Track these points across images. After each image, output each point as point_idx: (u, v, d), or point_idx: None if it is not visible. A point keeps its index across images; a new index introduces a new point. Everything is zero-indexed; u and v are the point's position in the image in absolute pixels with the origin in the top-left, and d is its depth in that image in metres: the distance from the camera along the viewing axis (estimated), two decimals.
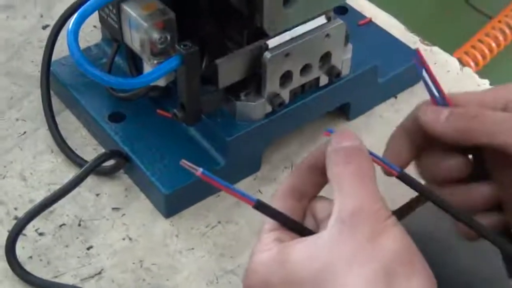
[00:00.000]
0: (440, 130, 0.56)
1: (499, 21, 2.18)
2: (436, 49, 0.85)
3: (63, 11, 0.78)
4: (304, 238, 0.50)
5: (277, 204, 0.53)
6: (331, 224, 0.49)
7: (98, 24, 0.81)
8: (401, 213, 0.71)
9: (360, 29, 0.81)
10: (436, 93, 0.57)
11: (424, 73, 0.56)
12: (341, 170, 0.51)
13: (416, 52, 0.56)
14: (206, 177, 0.50)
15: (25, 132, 0.76)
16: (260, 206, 0.52)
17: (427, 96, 0.80)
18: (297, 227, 0.53)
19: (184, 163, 0.50)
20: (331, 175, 0.51)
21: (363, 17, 0.83)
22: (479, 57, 2.06)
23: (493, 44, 2.11)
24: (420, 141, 0.58)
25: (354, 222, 0.48)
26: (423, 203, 0.72)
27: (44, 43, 0.81)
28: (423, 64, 0.56)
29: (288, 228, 0.53)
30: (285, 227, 0.52)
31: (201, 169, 0.50)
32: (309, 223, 0.54)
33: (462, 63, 0.85)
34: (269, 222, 0.53)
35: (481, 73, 0.85)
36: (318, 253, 0.48)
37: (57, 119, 0.76)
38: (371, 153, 0.53)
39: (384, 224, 0.48)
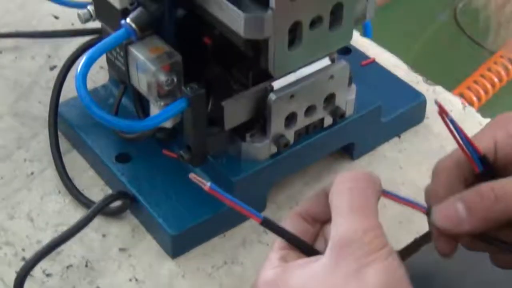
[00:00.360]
0: (467, 230, 0.53)
1: (501, 56, 2.19)
2: (439, 88, 0.86)
3: (70, 52, 0.80)
4: (304, 262, 0.51)
5: (288, 224, 0.54)
6: (326, 252, 0.50)
7: (105, 65, 0.83)
8: (407, 252, 0.72)
9: (364, 69, 0.82)
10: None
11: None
12: (340, 198, 0.52)
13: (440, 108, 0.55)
14: (214, 191, 0.51)
15: (33, 173, 0.77)
16: (267, 223, 0.53)
17: (430, 135, 0.81)
18: (303, 246, 0.54)
19: (193, 177, 0.51)
20: (330, 202, 0.52)
21: (367, 57, 0.84)
22: (482, 92, 2.08)
23: (496, 79, 2.12)
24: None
25: (342, 253, 0.49)
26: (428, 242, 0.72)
27: (52, 84, 0.82)
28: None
29: (295, 246, 0.53)
30: (291, 245, 0.53)
31: (209, 183, 0.51)
32: (320, 246, 0.55)
33: (465, 98, 0.86)
34: (278, 241, 0.54)
35: (484, 108, 0.86)
36: (312, 281, 0.49)
37: (65, 160, 0.77)
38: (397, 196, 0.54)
39: (374, 257, 0.48)
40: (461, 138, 0.55)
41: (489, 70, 2.15)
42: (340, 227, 0.50)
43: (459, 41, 2.39)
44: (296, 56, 0.65)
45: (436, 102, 0.55)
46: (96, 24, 0.77)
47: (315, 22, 0.64)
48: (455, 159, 0.57)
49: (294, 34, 0.64)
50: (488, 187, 0.53)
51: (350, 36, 0.68)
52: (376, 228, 0.50)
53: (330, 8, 0.64)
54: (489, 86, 2.09)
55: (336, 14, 0.66)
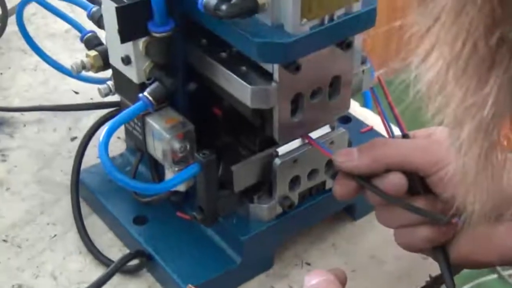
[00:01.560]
0: (354, 165, 0.68)
1: None
2: None
3: (89, 124, 0.86)
4: None
5: None
6: None
7: (122, 135, 0.89)
8: None
9: (363, 136, 0.88)
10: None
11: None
12: None
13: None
14: None
15: (55, 235, 0.83)
16: None
17: None
18: None
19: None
20: None
21: (365, 125, 0.90)
22: None
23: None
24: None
25: None
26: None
27: (72, 154, 0.89)
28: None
29: None
30: None
31: None
32: None
33: None
34: None
35: None
36: None
37: (85, 223, 0.83)
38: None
39: None
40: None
41: None
42: None
43: None
44: (298, 125, 0.71)
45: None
46: (113, 98, 0.84)
47: (315, 93, 0.71)
48: None
49: (297, 104, 0.70)
50: (376, 140, 0.69)
51: (347, 106, 0.75)
52: None
53: (329, 81, 0.71)
54: None
55: (335, 85, 0.72)
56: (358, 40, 0.72)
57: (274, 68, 0.67)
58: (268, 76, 0.68)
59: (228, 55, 0.71)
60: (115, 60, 0.75)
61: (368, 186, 0.68)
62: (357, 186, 0.69)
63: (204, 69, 0.72)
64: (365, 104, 1.00)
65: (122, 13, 0.69)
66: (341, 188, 0.70)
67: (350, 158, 0.68)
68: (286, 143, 0.74)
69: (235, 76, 0.69)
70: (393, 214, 0.69)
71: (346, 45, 0.69)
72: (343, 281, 0.62)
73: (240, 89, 0.69)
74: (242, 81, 0.68)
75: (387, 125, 0.73)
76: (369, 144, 0.69)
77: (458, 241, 0.67)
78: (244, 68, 0.69)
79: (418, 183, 0.67)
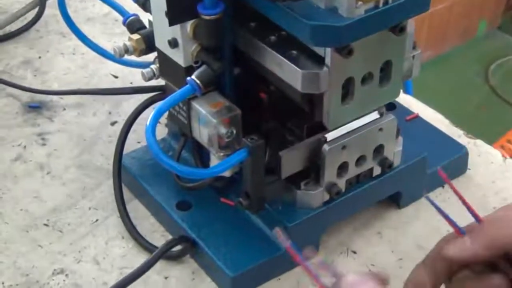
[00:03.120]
0: (469, 255, 0.60)
1: None
2: (479, 141, 0.90)
3: (129, 109, 0.86)
4: None
5: None
6: None
7: (163, 120, 0.88)
8: None
9: (408, 124, 0.87)
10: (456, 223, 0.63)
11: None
12: None
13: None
14: (292, 250, 0.55)
15: (97, 220, 0.82)
16: None
17: (472, 186, 0.85)
18: None
19: (278, 231, 0.55)
20: None
21: (411, 112, 0.89)
22: None
23: None
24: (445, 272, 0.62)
25: None
26: None
27: (112, 138, 0.88)
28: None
29: None
30: None
31: (289, 242, 0.55)
32: None
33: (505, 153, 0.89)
34: None
35: None
36: None
37: (127, 208, 0.82)
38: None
39: None
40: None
41: None
42: None
43: (491, 101, 2.44)
44: (348, 110, 0.70)
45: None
46: (152, 83, 0.83)
47: (366, 79, 0.70)
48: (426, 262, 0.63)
49: (347, 89, 0.69)
50: (484, 221, 0.61)
51: (398, 92, 0.73)
52: None
53: (380, 66, 0.70)
54: None
55: (385, 71, 0.71)
56: (411, 24, 0.70)
57: (326, 52, 0.66)
58: (320, 60, 0.67)
59: (277, 38, 0.70)
60: (161, 43, 0.74)
61: None
62: None
63: (252, 53, 0.71)
64: (406, 91, 0.99)
65: None
66: None
67: (463, 247, 0.60)
68: (335, 128, 0.72)
69: (285, 60, 0.67)
70: None
71: (400, 30, 0.67)
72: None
73: (290, 73, 0.67)
74: (293, 65, 0.67)
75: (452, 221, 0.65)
76: (478, 227, 0.61)
77: None
78: (294, 51, 0.68)
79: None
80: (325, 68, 0.66)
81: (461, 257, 0.60)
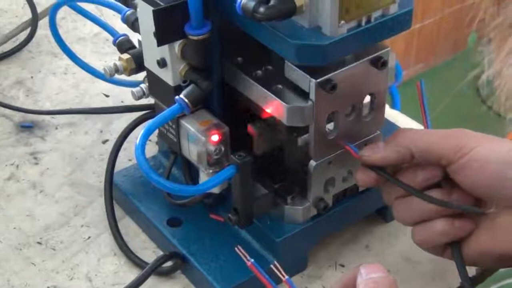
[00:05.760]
0: (381, 156, 0.69)
1: None
2: None
3: (121, 127, 0.87)
4: None
5: None
6: None
7: (152, 138, 0.90)
8: None
9: None
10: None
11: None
12: None
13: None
14: (255, 268, 0.56)
15: (89, 237, 0.83)
16: None
17: None
18: None
19: (239, 249, 0.57)
20: None
21: (397, 127, 0.90)
22: None
23: None
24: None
25: None
26: None
27: (104, 156, 0.90)
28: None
29: None
30: None
31: (252, 260, 0.56)
32: None
33: None
34: None
35: None
36: None
37: (118, 225, 0.83)
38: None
39: None
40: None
41: None
42: None
43: (481, 113, 2.46)
44: (334, 141, 0.72)
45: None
46: (144, 101, 0.84)
47: (351, 111, 0.72)
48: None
49: (332, 121, 0.72)
50: (400, 129, 0.72)
51: (382, 122, 0.76)
52: None
53: (364, 99, 0.72)
54: None
55: (370, 103, 0.73)
56: (392, 57, 0.72)
57: (310, 87, 0.68)
58: (304, 95, 0.68)
59: (264, 73, 0.72)
60: (150, 63, 0.76)
61: (392, 178, 0.70)
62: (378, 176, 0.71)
63: (239, 86, 0.73)
64: (393, 106, 1.00)
65: (159, 16, 0.69)
66: (363, 178, 0.72)
67: (376, 151, 0.70)
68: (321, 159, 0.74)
69: (271, 94, 0.69)
70: (411, 209, 0.69)
71: (381, 64, 0.69)
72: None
73: (276, 107, 0.69)
74: (278, 99, 0.69)
75: (426, 118, 0.75)
76: (393, 134, 0.70)
77: (477, 235, 0.68)
78: (280, 86, 0.70)
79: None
80: (309, 102, 0.68)
81: (373, 158, 0.70)
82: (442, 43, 2.62)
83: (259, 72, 0.72)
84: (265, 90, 0.70)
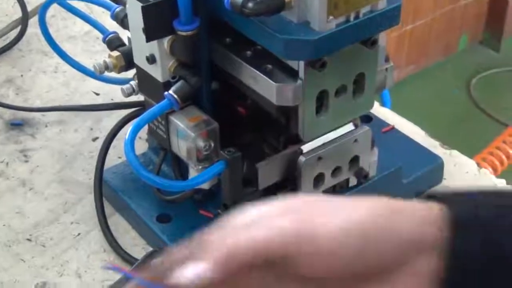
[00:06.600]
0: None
1: None
2: (455, 152, 0.92)
3: (110, 125, 0.87)
4: None
5: None
6: None
7: (142, 135, 0.90)
8: None
9: (384, 136, 0.89)
10: None
11: None
12: None
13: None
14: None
15: (79, 234, 0.83)
16: None
17: None
18: None
19: (108, 265, 0.54)
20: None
21: (387, 124, 0.91)
22: (497, 163, 2.13)
23: (511, 151, 2.18)
24: None
25: None
26: None
27: (94, 154, 0.90)
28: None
29: None
30: None
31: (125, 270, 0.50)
32: None
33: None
34: None
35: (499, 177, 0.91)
36: None
37: (108, 222, 0.83)
38: None
39: None
40: None
41: (504, 142, 2.21)
42: None
43: (474, 115, 2.47)
44: (323, 122, 0.72)
45: None
46: (133, 99, 0.84)
47: (340, 91, 0.71)
48: None
49: (321, 101, 0.71)
50: None
51: (372, 103, 0.75)
52: None
53: (353, 78, 0.71)
54: (504, 157, 2.15)
55: (359, 83, 0.72)
56: (383, 38, 0.72)
57: (300, 66, 0.68)
58: (294, 74, 0.68)
59: (252, 53, 0.72)
60: (139, 59, 0.76)
61: None
62: None
63: (228, 67, 0.73)
64: (383, 104, 1.01)
65: (147, 12, 0.69)
66: None
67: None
68: (311, 140, 0.74)
69: (260, 74, 0.69)
70: None
71: (371, 43, 0.69)
72: None
73: (265, 87, 0.69)
74: (268, 79, 0.69)
75: None
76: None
77: None
78: (269, 65, 0.70)
79: None
80: (299, 81, 0.68)
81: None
82: (434, 44, 2.63)
83: (248, 52, 0.71)
84: (254, 70, 0.70)
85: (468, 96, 2.57)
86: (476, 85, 2.60)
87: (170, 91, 0.72)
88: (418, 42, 2.54)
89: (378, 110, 0.95)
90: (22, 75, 1.06)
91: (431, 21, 2.56)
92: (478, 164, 0.91)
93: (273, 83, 0.68)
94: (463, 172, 0.89)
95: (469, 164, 0.91)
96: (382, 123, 0.91)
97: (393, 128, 0.91)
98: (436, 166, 0.87)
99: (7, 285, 0.77)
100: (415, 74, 2.58)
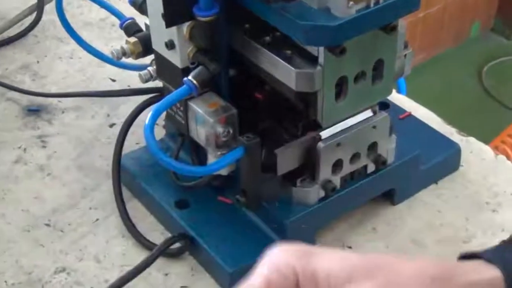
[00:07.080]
0: None
1: None
2: (471, 139, 0.92)
3: (127, 111, 0.87)
4: None
5: None
6: None
7: (159, 122, 0.90)
8: None
9: (401, 122, 0.89)
10: None
11: None
12: None
13: None
14: None
15: (97, 219, 0.84)
16: None
17: (465, 182, 0.87)
18: None
19: None
20: None
21: (404, 111, 0.90)
22: (509, 151, 2.13)
23: None
24: None
25: None
26: None
27: (111, 140, 0.90)
28: None
29: None
30: None
31: None
32: None
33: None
34: None
35: None
36: None
37: (126, 207, 0.83)
38: None
39: None
40: None
41: None
42: None
43: (484, 102, 2.46)
44: (342, 108, 0.72)
45: None
46: (150, 85, 0.84)
47: (359, 77, 0.71)
48: None
49: (340, 88, 0.71)
50: None
51: (390, 90, 0.75)
52: None
53: (372, 64, 0.71)
54: None
55: (378, 69, 0.72)
56: (402, 23, 0.72)
57: (319, 51, 0.68)
58: (313, 60, 0.68)
59: (272, 39, 0.72)
60: (158, 45, 0.76)
61: None
62: None
63: (247, 53, 0.73)
64: (399, 90, 1.00)
65: None
66: None
67: None
68: (329, 126, 0.74)
69: (280, 60, 0.69)
70: None
71: (390, 29, 0.69)
72: None
73: (285, 73, 0.69)
74: (287, 65, 0.69)
75: None
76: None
77: None
78: (288, 51, 0.70)
79: None
80: (318, 67, 0.68)
81: None
82: (446, 32, 2.62)
83: (267, 38, 0.71)
84: (274, 56, 0.70)
85: (480, 84, 2.56)
86: (487, 73, 2.59)
87: (189, 77, 0.72)
88: (430, 29, 2.53)
89: (395, 97, 0.95)
90: (38, 61, 1.06)
91: (443, 8, 2.55)
92: (495, 150, 0.91)
93: (293, 69, 0.68)
94: (480, 159, 0.89)
95: (485, 150, 0.91)
96: (399, 109, 0.91)
97: (410, 114, 0.90)
98: (453, 153, 0.87)
99: (27, 270, 0.78)
100: (427, 62, 2.57)
